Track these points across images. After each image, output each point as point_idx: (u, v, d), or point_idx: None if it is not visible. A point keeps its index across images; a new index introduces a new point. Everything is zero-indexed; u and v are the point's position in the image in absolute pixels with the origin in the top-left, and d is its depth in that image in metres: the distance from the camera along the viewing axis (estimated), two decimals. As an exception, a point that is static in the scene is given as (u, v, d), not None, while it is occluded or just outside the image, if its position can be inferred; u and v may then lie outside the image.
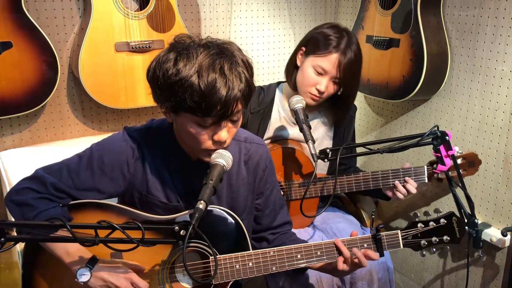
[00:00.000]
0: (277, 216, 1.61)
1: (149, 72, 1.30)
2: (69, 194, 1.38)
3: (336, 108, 1.96)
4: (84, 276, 1.23)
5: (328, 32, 1.82)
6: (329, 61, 1.78)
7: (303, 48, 1.87)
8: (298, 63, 1.88)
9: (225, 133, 1.29)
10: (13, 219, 1.88)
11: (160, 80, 1.25)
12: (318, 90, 1.81)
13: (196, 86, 1.19)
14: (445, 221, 1.50)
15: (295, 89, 1.90)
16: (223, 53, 1.24)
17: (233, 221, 1.40)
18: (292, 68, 1.92)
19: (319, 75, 1.80)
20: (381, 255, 1.47)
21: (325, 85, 1.80)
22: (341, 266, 1.41)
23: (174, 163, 1.44)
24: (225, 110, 1.23)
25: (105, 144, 1.43)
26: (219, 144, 1.30)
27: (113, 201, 1.45)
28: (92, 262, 1.26)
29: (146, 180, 1.43)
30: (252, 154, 1.52)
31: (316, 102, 1.85)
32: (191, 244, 1.38)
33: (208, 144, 1.30)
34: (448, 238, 1.50)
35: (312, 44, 1.84)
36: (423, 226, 1.50)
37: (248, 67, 1.28)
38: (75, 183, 1.38)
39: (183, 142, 1.42)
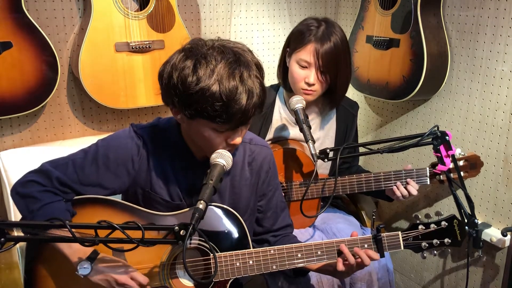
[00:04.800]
0: (279, 219, 1.61)
1: (162, 77, 1.30)
2: (73, 188, 1.39)
3: (328, 100, 1.95)
4: (84, 269, 1.23)
5: (304, 26, 1.83)
6: (308, 52, 1.78)
7: (288, 49, 1.89)
8: (288, 64, 1.89)
9: (240, 138, 1.32)
10: (13, 217, 1.89)
11: (178, 88, 1.25)
12: (307, 83, 1.80)
13: (218, 95, 1.20)
14: (446, 224, 1.50)
15: (290, 90, 1.91)
16: (240, 60, 1.25)
17: (234, 219, 1.41)
18: (283, 71, 1.93)
19: (304, 68, 1.81)
20: (382, 255, 1.47)
21: (313, 77, 1.79)
22: (341, 267, 1.41)
23: (179, 162, 1.45)
24: (244, 117, 1.25)
25: (111, 140, 1.44)
26: (233, 147, 1.33)
27: (117, 198, 1.46)
28: (93, 256, 1.26)
29: (150, 178, 1.43)
30: (256, 155, 1.53)
31: (313, 97, 1.84)
32: (192, 242, 1.38)
33: (222, 147, 1.32)
34: (450, 241, 1.50)
35: (293, 41, 1.85)
36: (424, 228, 1.50)
37: (261, 70, 1.30)
38: (80, 178, 1.39)
39: (190, 141, 1.43)
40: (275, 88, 2.02)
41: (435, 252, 1.52)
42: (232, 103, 1.21)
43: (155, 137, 1.44)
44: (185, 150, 1.44)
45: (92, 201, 1.41)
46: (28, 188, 1.36)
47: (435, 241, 1.50)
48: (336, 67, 1.80)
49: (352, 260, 1.40)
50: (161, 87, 1.33)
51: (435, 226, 1.50)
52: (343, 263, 1.42)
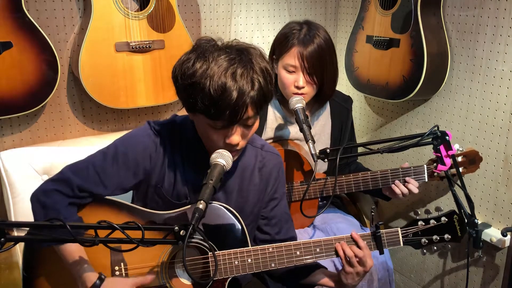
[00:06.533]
0: (283, 229, 1.61)
1: (172, 71, 1.34)
2: (92, 193, 1.39)
3: (317, 100, 1.93)
4: None
5: (287, 29, 1.84)
6: (292, 55, 1.78)
7: (274, 57, 1.89)
8: (276, 71, 1.88)
9: (236, 137, 1.31)
10: (13, 217, 1.89)
11: (178, 80, 1.29)
12: (297, 87, 1.80)
13: (206, 90, 1.22)
14: (446, 220, 1.49)
15: (282, 96, 1.90)
16: (241, 58, 1.26)
17: (233, 218, 1.41)
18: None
19: (292, 73, 1.81)
20: (381, 252, 1.47)
21: (302, 79, 1.79)
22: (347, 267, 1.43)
23: (192, 160, 1.45)
24: (234, 115, 1.25)
25: (129, 139, 1.44)
26: (231, 147, 1.32)
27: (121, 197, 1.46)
28: (98, 283, 1.28)
29: (164, 174, 1.44)
30: (266, 162, 1.53)
31: (305, 100, 1.81)
32: (191, 240, 1.38)
33: (221, 145, 1.32)
34: (449, 237, 1.50)
35: (277, 47, 1.86)
36: (423, 224, 1.50)
37: (266, 75, 1.29)
38: (102, 180, 1.39)
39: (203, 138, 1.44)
40: None
41: (435, 248, 1.52)
42: (220, 99, 1.22)
43: (171, 133, 1.45)
44: (199, 147, 1.44)
45: (95, 201, 1.41)
46: (51, 199, 1.36)
47: (435, 237, 1.50)
48: (322, 67, 1.79)
49: (350, 253, 1.42)
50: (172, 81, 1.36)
51: (435, 222, 1.49)
52: (347, 264, 1.43)
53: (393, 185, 1.83)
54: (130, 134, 1.46)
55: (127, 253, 1.34)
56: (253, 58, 1.28)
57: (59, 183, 1.39)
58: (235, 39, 1.35)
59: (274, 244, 1.42)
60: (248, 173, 1.50)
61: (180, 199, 1.46)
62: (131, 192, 1.53)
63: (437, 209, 1.53)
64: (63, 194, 1.37)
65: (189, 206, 1.43)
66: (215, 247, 1.37)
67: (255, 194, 1.52)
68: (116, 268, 1.37)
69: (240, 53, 1.27)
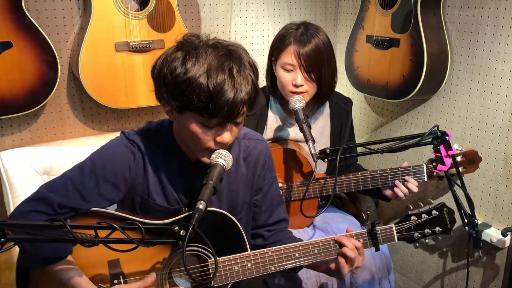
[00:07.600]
0: (274, 213, 1.60)
1: (154, 69, 1.31)
2: (75, 208, 1.35)
3: (316, 100, 1.94)
4: None
5: (284, 30, 1.86)
6: (289, 54, 1.79)
7: (272, 58, 1.90)
8: (275, 73, 1.89)
9: (228, 135, 1.30)
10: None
11: (167, 78, 1.25)
12: (295, 85, 1.80)
13: (204, 86, 1.20)
14: (437, 213, 1.55)
15: (282, 97, 1.90)
16: (232, 55, 1.25)
17: (230, 222, 1.40)
18: (271, 80, 1.93)
19: (290, 71, 1.81)
20: (377, 249, 1.50)
21: (300, 77, 1.79)
22: (350, 252, 1.43)
23: (173, 164, 1.43)
24: (231, 112, 1.24)
25: (105, 151, 1.41)
26: (221, 145, 1.31)
27: (113, 209, 1.44)
28: None
29: (147, 184, 1.41)
30: (251, 150, 1.52)
31: (304, 99, 1.82)
32: (189, 248, 1.37)
33: (210, 144, 1.30)
34: (440, 229, 1.55)
35: (275, 48, 1.87)
36: (416, 219, 1.54)
37: (255, 70, 1.30)
38: (82, 194, 1.35)
39: (182, 142, 1.41)
40: (268, 88, 2.02)
41: (427, 241, 1.57)
42: (218, 95, 1.21)
43: (148, 141, 1.41)
44: (178, 152, 1.42)
45: (87, 214, 1.37)
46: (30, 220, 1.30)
47: (426, 230, 1.55)
48: (319, 65, 1.80)
49: (351, 245, 1.43)
50: (153, 80, 1.33)
51: (426, 216, 1.54)
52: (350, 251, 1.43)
53: (395, 188, 1.83)
54: (106, 146, 1.43)
55: (125, 266, 1.34)
56: (241, 54, 1.28)
57: (37, 203, 1.32)
58: (215, 37, 1.33)
59: (273, 248, 1.41)
60: (234, 166, 1.46)
61: (172, 205, 1.44)
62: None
63: (428, 202, 1.58)
64: (43, 213, 1.31)
65: (183, 215, 1.39)
66: (214, 253, 1.36)
67: (244, 184, 1.51)
68: (115, 281, 1.35)
69: (229, 49, 1.27)
